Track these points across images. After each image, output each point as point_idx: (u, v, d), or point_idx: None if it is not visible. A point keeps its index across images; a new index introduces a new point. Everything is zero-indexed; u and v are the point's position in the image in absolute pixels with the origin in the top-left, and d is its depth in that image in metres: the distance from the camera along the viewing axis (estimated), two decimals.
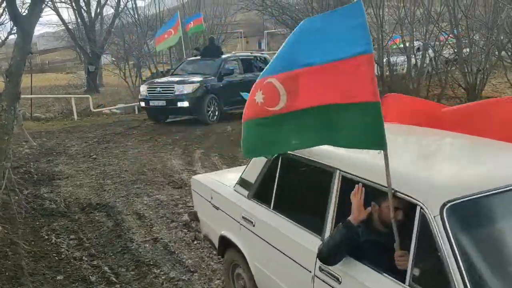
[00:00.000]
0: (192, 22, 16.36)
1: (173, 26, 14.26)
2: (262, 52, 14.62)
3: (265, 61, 13.34)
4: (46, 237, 4.79)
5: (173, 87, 10.91)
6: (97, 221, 5.26)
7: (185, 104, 10.67)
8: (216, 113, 11.24)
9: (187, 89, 10.74)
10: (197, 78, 11.19)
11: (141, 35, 18.87)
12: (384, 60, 11.93)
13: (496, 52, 9.65)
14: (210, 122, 10.96)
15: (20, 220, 4.93)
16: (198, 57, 12.75)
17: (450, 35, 8.76)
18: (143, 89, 11.66)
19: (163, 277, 3.97)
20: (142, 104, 11.67)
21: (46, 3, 12.01)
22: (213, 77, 11.42)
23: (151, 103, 11.07)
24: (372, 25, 11.87)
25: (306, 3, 13.34)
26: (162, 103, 10.88)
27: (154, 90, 11.16)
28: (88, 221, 5.26)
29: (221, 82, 11.48)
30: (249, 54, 13.76)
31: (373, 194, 2.23)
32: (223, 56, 12.50)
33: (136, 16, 19.68)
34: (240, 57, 12.93)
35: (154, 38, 14.87)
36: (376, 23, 10.99)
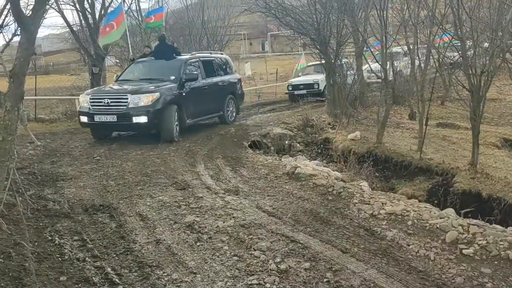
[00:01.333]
0: (153, 16, 14.73)
1: (115, 19, 12.56)
2: (222, 53, 13.42)
3: (226, 63, 12.24)
4: (50, 238, 4.79)
5: (126, 98, 8.91)
6: (100, 222, 5.26)
7: (143, 119, 8.82)
8: (177, 128, 9.41)
9: (145, 100, 8.85)
10: (155, 86, 9.29)
11: (144, 36, 18.91)
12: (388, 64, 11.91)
13: (501, 54, 9.61)
14: (176, 139, 9.25)
15: (27, 223, 4.93)
16: (149, 58, 11.06)
17: (454, 37, 8.72)
18: (84, 99, 9.44)
19: (166, 279, 3.97)
20: (83, 119, 9.34)
21: (50, 4, 12.05)
22: (173, 84, 9.54)
23: (97, 118, 9.03)
24: (376, 27, 11.86)
25: (310, 5, 13.32)
26: (111, 118, 8.92)
27: (101, 102, 9.10)
28: (92, 222, 5.26)
29: (183, 89, 9.68)
30: (209, 54, 12.16)
31: None
32: (183, 57, 10.66)
33: (140, 18, 19.72)
34: (201, 59, 11.04)
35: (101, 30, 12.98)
36: (379, 25, 10.95)
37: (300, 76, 19.71)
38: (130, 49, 14.10)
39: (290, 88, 18.11)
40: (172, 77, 9.71)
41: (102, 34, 12.88)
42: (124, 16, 12.54)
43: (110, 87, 10.20)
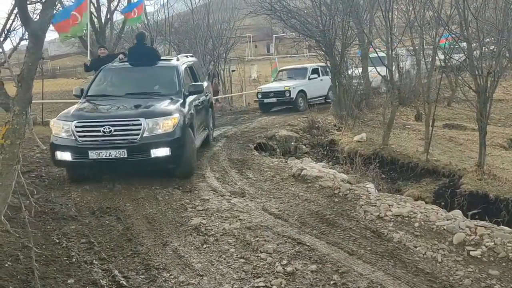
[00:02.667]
0: (135, 10, 12.53)
1: (78, 7, 10.33)
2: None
3: (199, 67, 10.24)
4: (57, 240, 4.82)
5: (139, 124, 6.35)
6: (108, 225, 5.28)
7: (164, 151, 6.42)
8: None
9: (164, 125, 6.44)
10: (167, 104, 6.89)
11: (150, 40, 19.01)
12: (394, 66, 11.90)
13: (507, 54, 9.57)
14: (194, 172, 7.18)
15: (34, 226, 4.97)
16: (123, 63, 8.36)
17: (460, 37, 8.69)
18: (61, 127, 6.52)
19: (172, 281, 3.98)
20: (65, 156, 6.45)
21: (57, 9, 12.07)
22: (180, 100, 7.22)
23: (93, 154, 6.29)
24: (382, 28, 11.86)
25: (315, 7, 13.33)
26: (119, 153, 6.26)
27: (97, 131, 6.36)
28: (99, 225, 5.29)
29: (185, 106, 7.20)
30: (193, 58, 9.97)
31: None
32: (173, 63, 8.15)
33: (146, 22, 19.82)
34: (188, 64, 8.80)
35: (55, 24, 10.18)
36: (385, 26, 10.95)
37: (272, 82, 17.77)
38: (89, 52, 11.37)
39: (260, 96, 15.73)
40: (174, 90, 7.35)
41: (63, 27, 10.29)
42: (88, 4, 10.33)
43: (95, 106, 7.06)
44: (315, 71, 16.24)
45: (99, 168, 6.77)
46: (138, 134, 6.31)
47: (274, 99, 15.32)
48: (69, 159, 6.45)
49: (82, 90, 7.69)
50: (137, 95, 7.36)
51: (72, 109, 6.99)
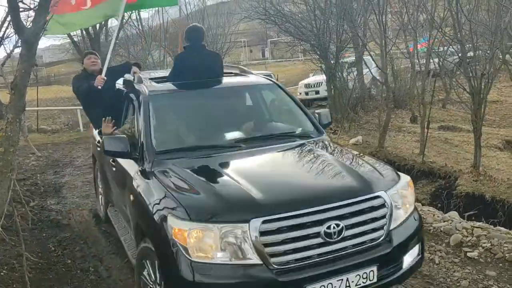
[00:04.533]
0: None
1: None
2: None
3: None
4: (53, 248, 4.79)
5: (381, 203, 3.06)
6: (104, 232, 5.25)
7: (416, 253, 3.29)
8: None
9: (408, 199, 3.34)
10: (345, 153, 3.88)
11: (145, 46, 19.01)
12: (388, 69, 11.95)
13: (500, 56, 9.63)
14: None
15: (30, 234, 4.94)
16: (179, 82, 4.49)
17: (454, 40, 8.75)
18: (228, 237, 2.71)
19: None
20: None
21: (51, 16, 12.02)
22: (328, 143, 4.28)
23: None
24: (375, 32, 11.91)
25: (309, 11, 13.37)
26: (363, 279, 2.90)
27: (314, 235, 2.82)
28: (96, 231, 5.26)
29: None
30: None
31: None
32: (263, 78, 4.77)
33: (141, 28, 19.83)
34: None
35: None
36: (379, 30, 11.00)
37: None
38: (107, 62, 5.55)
39: None
40: (307, 127, 4.25)
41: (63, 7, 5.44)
42: None
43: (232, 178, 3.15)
44: None
45: None
46: (382, 227, 3.04)
47: None
48: None
49: (123, 139, 3.63)
50: (257, 141, 3.89)
51: (192, 193, 3.04)
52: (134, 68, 4.97)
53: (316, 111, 4.49)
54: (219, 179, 3.21)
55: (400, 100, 14.71)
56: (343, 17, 12.10)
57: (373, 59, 11.59)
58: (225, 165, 3.44)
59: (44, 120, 15.47)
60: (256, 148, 3.77)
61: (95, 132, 5.21)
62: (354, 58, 14.10)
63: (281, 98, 4.64)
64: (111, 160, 4.32)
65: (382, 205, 3.04)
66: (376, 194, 3.05)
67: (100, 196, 5.63)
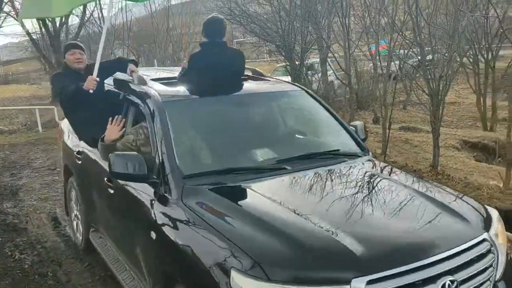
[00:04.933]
0: None
1: None
2: None
3: None
4: (10, 253, 4.62)
5: (486, 248, 2.44)
6: (64, 235, 5.10)
7: None
8: None
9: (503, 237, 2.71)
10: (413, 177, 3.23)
11: (107, 45, 18.61)
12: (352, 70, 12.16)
13: (458, 59, 9.96)
14: None
15: None
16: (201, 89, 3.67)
17: (413, 43, 8.99)
18: None
19: None
20: None
21: (8, 12, 11.60)
22: (377, 162, 3.68)
23: None
24: (339, 34, 12.10)
25: (274, 12, 13.44)
26: None
27: None
28: (54, 235, 5.10)
29: None
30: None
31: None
32: (289, 84, 4.39)
33: (102, 26, 19.41)
34: None
35: None
36: (342, 32, 11.19)
37: None
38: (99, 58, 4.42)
39: None
40: (350, 144, 3.62)
41: None
42: None
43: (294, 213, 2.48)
44: None
45: None
46: (489, 279, 2.43)
47: None
48: None
49: (139, 158, 2.88)
50: (301, 161, 3.18)
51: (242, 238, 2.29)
52: (131, 67, 3.94)
53: (351, 123, 3.86)
54: (289, 219, 2.39)
55: (363, 102, 15.00)
56: (308, 19, 12.23)
57: (333, 62, 11.74)
58: (284, 196, 2.66)
59: (0, 120, 14.90)
60: (305, 170, 3.02)
61: (72, 139, 4.43)
62: (318, 59, 14.26)
63: (312, 107, 3.86)
64: (106, 179, 3.41)
65: (489, 251, 2.43)
66: (482, 237, 2.44)
67: (76, 221, 4.73)
